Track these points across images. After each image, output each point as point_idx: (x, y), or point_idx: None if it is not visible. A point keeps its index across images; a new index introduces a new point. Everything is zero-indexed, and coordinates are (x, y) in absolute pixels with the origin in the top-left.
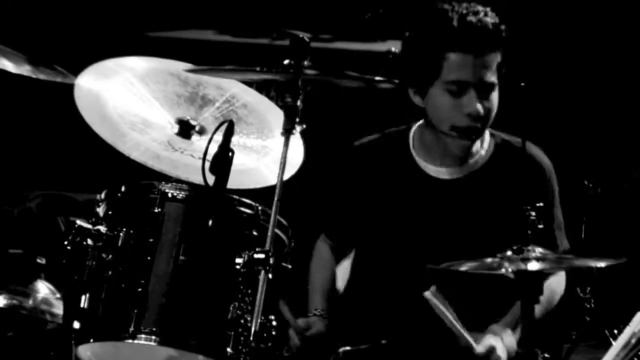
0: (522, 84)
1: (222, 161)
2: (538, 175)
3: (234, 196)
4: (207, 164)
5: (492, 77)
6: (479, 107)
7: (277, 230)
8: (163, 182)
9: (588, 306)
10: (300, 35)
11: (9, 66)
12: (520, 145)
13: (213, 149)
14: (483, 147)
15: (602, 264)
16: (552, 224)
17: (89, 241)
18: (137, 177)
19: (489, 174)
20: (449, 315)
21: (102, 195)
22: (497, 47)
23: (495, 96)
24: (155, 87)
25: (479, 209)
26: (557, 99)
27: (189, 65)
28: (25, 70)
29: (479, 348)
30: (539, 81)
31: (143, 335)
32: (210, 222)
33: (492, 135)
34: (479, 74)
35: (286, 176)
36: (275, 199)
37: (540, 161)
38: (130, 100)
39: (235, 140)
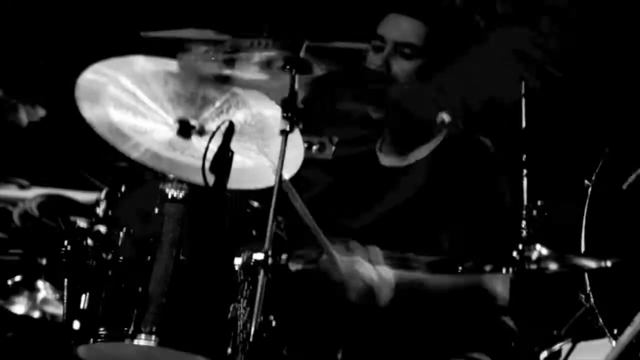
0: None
1: (222, 161)
2: (481, 165)
3: (233, 196)
4: (207, 164)
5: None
6: (379, 61)
7: (276, 230)
8: (163, 182)
9: (588, 306)
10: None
11: None
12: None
13: (213, 149)
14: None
15: (595, 264)
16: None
17: (89, 241)
18: (137, 177)
19: (430, 164)
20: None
21: (102, 195)
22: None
23: (408, 63)
24: (155, 87)
25: (416, 197)
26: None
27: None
28: None
29: (342, 257)
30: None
31: (143, 336)
32: (209, 222)
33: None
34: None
35: (287, 175)
36: (274, 197)
37: (485, 151)
38: (130, 100)
39: (234, 139)
